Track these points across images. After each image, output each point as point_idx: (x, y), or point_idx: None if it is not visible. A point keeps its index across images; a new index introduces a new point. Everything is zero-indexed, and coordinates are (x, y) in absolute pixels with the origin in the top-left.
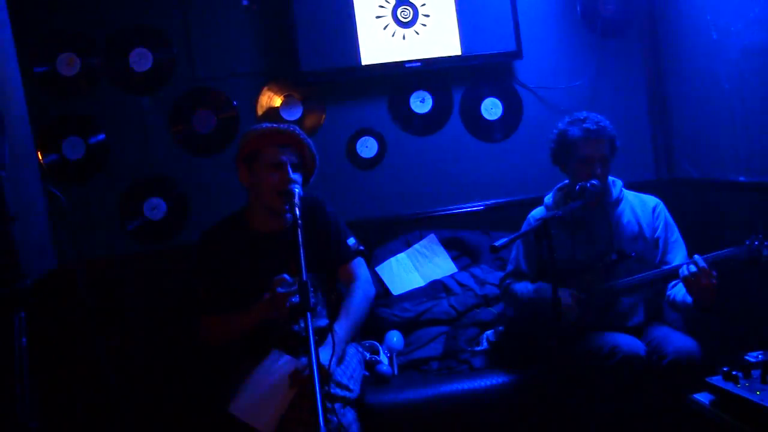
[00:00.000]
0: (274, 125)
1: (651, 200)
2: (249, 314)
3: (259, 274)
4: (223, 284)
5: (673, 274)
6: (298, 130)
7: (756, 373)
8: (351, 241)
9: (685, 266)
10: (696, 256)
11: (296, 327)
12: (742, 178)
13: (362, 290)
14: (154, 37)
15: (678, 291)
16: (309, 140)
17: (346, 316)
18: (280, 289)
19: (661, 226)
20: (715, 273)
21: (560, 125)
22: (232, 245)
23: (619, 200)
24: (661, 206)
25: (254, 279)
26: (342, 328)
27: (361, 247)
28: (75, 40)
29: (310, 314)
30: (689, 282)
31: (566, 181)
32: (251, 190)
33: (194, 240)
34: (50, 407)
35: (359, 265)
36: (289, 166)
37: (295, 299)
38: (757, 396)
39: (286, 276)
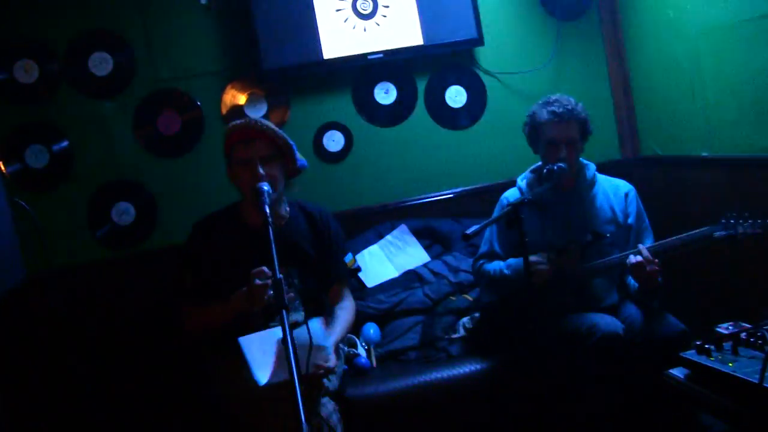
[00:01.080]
0: (238, 121)
1: (623, 186)
2: (227, 305)
3: (247, 267)
4: (210, 275)
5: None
6: (262, 121)
7: (727, 345)
8: (348, 257)
9: (631, 255)
10: (640, 246)
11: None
12: (704, 154)
13: (352, 313)
14: (112, 40)
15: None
16: (274, 127)
17: (340, 325)
18: (257, 281)
19: (633, 213)
20: (657, 261)
21: (533, 107)
22: (223, 237)
23: (592, 184)
24: (633, 193)
25: (242, 272)
26: (334, 335)
27: (356, 265)
28: (31, 47)
29: (286, 311)
30: (634, 269)
31: (539, 163)
32: (237, 188)
33: (165, 243)
34: (23, 419)
35: (348, 291)
36: (258, 162)
37: (271, 292)
38: (729, 367)
39: (264, 268)
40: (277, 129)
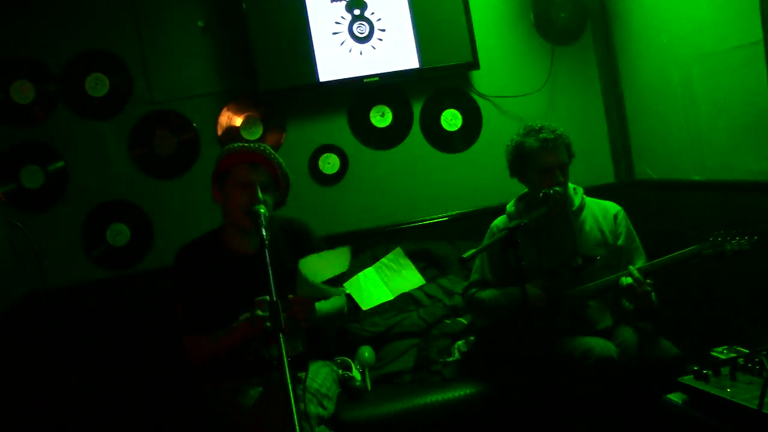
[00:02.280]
0: (245, 144)
1: (612, 207)
2: (228, 335)
3: (235, 295)
4: (200, 303)
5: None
6: (271, 150)
7: (725, 370)
8: None
9: (622, 277)
10: (630, 267)
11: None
12: (697, 177)
13: (342, 301)
14: (109, 61)
15: None
16: (280, 159)
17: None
18: (259, 312)
19: (623, 234)
20: (650, 281)
21: (515, 137)
22: (208, 265)
23: (581, 208)
24: (623, 213)
25: (231, 300)
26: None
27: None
28: (28, 68)
29: (283, 336)
30: (625, 291)
31: (526, 192)
32: (223, 209)
33: (160, 265)
34: None
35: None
36: (258, 186)
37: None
38: (727, 393)
39: (266, 298)
40: (282, 161)
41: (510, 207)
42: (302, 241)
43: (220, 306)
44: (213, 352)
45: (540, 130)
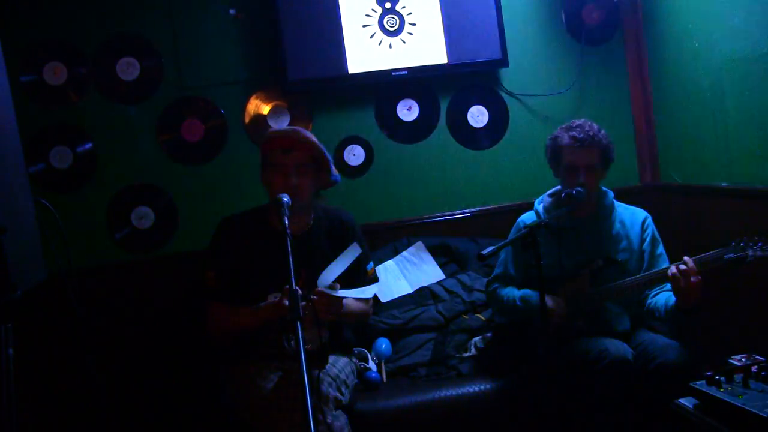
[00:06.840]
0: (280, 129)
1: (640, 213)
2: (255, 313)
3: (270, 272)
4: (234, 273)
5: (659, 277)
6: (303, 132)
7: (738, 377)
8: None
9: (673, 265)
10: (685, 257)
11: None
12: (724, 184)
13: (365, 305)
14: (141, 46)
15: (659, 298)
16: (314, 139)
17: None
18: (286, 302)
19: (648, 240)
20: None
21: (556, 131)
22: (249, 237)
23: (610, 211)
24: (650, 220)
25: (265, 276)
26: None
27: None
28: (61, 50)
29: (300, 323)
30: (677, 279)
31: (558, 187)
32: (267, 191)
33: (184, 249)
34: (39, 418)
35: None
36: (293, 170)
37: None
38: (739, 400)
39: (298, 289)
40: (316, 141)
41: (538, 202)
42: (345, 232)
43: (253, 281)
44: (234, 326)
45: (575, 127)
